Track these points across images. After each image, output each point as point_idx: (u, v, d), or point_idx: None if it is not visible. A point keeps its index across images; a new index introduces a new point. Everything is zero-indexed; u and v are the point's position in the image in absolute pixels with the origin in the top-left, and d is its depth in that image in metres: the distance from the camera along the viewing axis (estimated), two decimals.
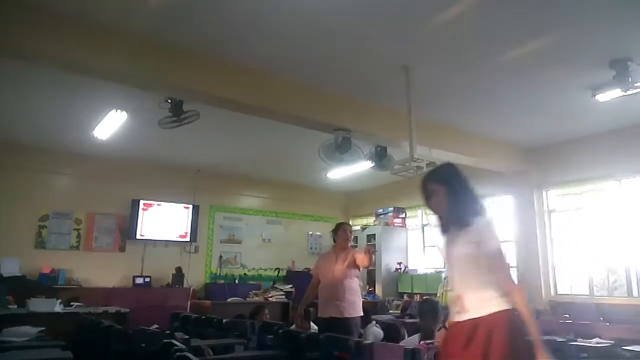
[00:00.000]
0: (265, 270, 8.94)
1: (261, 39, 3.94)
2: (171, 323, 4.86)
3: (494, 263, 2.01)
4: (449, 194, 2.14)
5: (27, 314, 4.46)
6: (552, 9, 3.40)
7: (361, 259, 4.16)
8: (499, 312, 1.93)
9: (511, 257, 6.89)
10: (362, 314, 4.27)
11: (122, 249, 7.64)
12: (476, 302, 1.98)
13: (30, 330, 3.83)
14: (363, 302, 4.44)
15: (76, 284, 6.83)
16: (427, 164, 4.46)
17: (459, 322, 2.02)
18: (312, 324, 4.90)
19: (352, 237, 4.48)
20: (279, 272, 8.68)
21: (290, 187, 9.42)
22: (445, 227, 2.19)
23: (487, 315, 1.93)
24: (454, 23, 3.60)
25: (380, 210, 8.65)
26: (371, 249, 4.27)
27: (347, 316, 4.08)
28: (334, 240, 4.47)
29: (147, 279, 7.43)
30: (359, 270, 4.32)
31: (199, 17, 3.63)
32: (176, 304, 6.66)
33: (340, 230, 4.41)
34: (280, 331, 3.62)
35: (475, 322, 1.94)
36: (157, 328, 3.98)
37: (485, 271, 2.01)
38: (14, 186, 6.84)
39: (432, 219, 2.21)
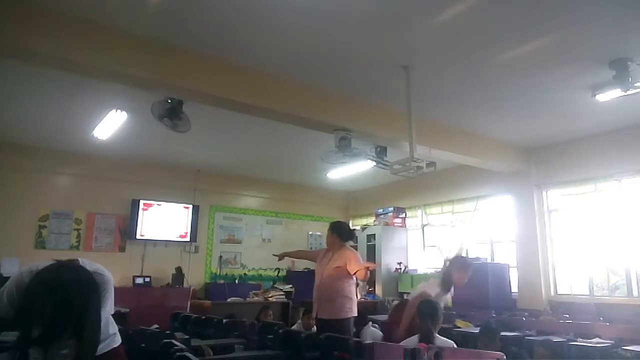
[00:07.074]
0: (265, 270, 8.94)
1: (261, 39, 3.94)
2: (171, 323, 4.85)
3: None
4: None
5: None
6: (552, 9, 3.40)
7: (358, 274, 4.02)
8: None
9: (512, 256, 6.90)
10: (354, 314, 4.10)
11: (122, 249, 7.65)
12: None
13: None
14: (361, 303, 4.33)
15: None
16: (427, 164, 4.45)
17: None
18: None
19: (337, 235, 4.25)
20: (279, 272, 8.67)
21: (290, 187, 9.43)
22: None
23: None
24: (454, 23, 3.60)
25: (380, 210, 8.64)
26: (372, 265, 4.14)
27: (336, 318, 3.96)
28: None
29: (147, 279, 7.44)
30: (352, 274, 4.09)
31: (198, 17, 3.63)
32: (176, 304, 6.65)
33: (327, 230, 4.31)
34: (280, 331, 3.61)
35: None
36: (157, 328, 3.96)
37: None
38: (14, 186, 6.84)
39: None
